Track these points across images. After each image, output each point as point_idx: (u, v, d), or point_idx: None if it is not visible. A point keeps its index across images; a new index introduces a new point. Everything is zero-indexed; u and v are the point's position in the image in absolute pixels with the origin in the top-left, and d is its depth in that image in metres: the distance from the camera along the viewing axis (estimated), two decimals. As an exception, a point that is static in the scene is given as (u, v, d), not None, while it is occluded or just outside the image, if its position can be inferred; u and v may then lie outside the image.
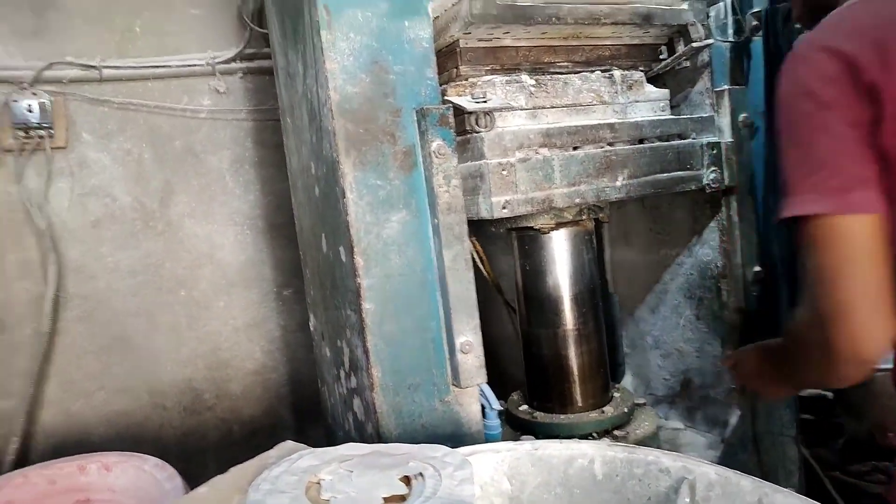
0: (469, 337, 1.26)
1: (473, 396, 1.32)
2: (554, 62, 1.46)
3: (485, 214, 1.31)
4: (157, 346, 2.09)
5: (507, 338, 2.54)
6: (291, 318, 2.30)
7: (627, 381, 2.13)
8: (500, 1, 1.24)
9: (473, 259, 1.39)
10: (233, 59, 2.12)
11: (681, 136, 1.54)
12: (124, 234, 2.04)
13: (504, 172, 1.28)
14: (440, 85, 1.31)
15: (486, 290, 1.73)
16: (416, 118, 1.22)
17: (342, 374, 1.43)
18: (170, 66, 2.04)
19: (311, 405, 2.25)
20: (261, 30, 2.10)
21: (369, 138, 1.20)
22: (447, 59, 1.38)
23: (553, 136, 1.35)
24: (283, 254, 2.26)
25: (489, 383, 1.30)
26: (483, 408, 1.37)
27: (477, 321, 1.27)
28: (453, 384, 1.29)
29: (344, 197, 1.19)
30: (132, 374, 2.06)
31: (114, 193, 2.01)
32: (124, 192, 2.03)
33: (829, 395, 2.31)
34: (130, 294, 2.07)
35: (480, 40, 1.35)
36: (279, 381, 2.29)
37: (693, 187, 1.52)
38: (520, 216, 1.36)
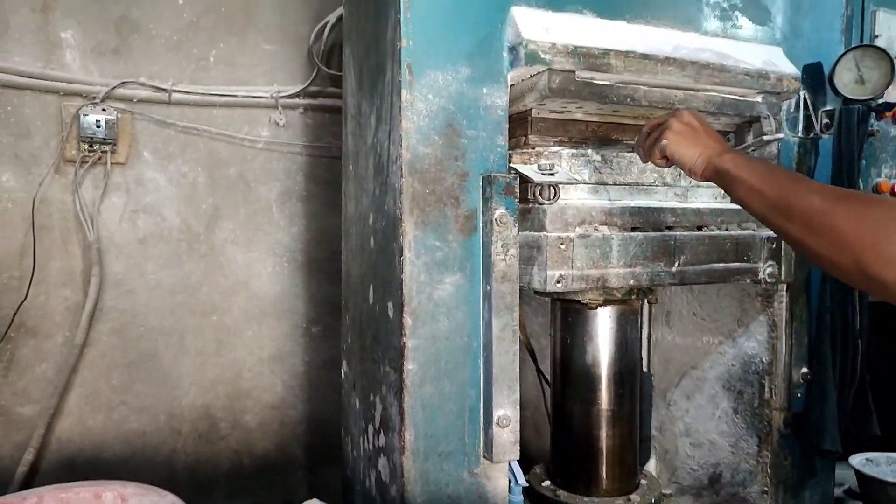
0: (507, 411, 1.23)
1: (503, 471, 1.28)
2: (622, 139, 1.45)
3: (538, 286, 1.29)
4: (182, 368, 2.08)
5: (530, 401, 2.50)
6: (317, 354, 2.28)
7: (651, 464, 2.07)
8: (578, 77, 1.24)
9: None
10: (297, 95, 2.16)
11: (740, 227, 1.51)
12: (169, 254, 2.05)
13: (562, 247, 1.26)
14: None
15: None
16: (481, 184, 1.22)
17: (370, 429, 1.40)
18: (236, 96, 2.08)
19: (326, 447, 2.22)
20: (328, 70, 2.14)
21: (434, 199, 1.19)
22: (517, 125, 1.38)
23: (615, 214, 1.33)
24: (318, 290, 2.25)
25: None
26: (508, 482, 1.33)
27: (517, 395, 1.24)
28: (484, 457, 1.26)
29: (401, 255, 1.18)
30: (155, 393, 2.05)
31: (164, 213, 2.03)
32: (174, 213, 2.05)
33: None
34: (167, 312, 2.07)
35: (552, 112, 1.35)
36: (297, 419, 2.25)
37: (749, 280, 1.49)
38: (569, 288, 1.34)
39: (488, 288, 1.22)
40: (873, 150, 1.72)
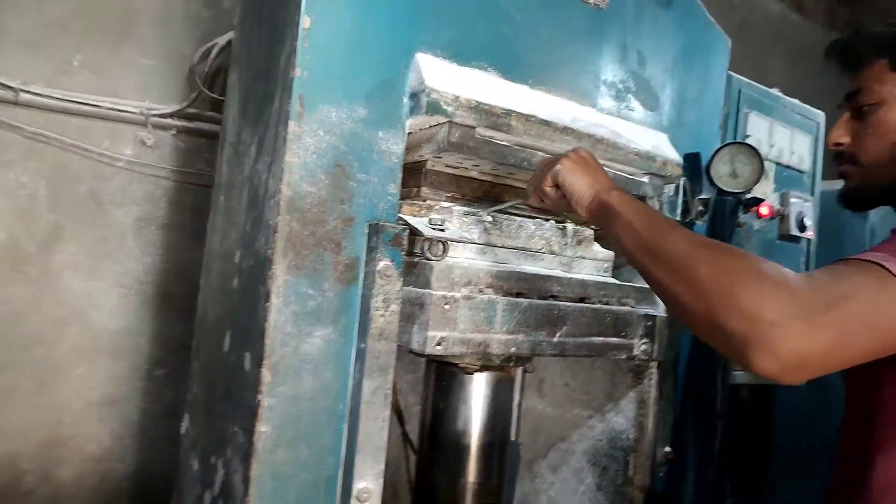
0: (370, 483, 1.11)
1: (360, 552, 1.15)
2: (514, 204, 1.42)
3: (416, 347, 1.20)
4: (-14, 410, 1.76)
5: (390, 462, 2.36)
6: (158, 402, 2.02)
7: (513, 539, 1.99)
8: (479, 134, 1.19)
9: None
10: (171, 115, 1.97)
11: (620, 303, 1.52)
12: (-13, 273, 1.76)
13: (446, 307, 1.19)
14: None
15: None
16: (368, 232, 1.13)
17: (207, 496, 1.22)
18: (98, 107, 1.86)
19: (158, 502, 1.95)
20: (210, 94, 1.98)
21: (312, 242, 1.08)
22: (410, 176, 1.31)
23: (502, 278, 1.28)
24: (167, 328, 2.02)
25: None
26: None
27: (381, 466, 1.13)
28: (341, 535, 1.12)
29: (267, 300, 1.05)
30: (-56, 437, 1.71)
31: (-12, 225, 1.75)
32: (1, 227, 1.77)
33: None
34: (-24, 342, 1.76)
35: (448, 166, 1.30)
36: (123, 474, 1.97)
37: (624, 356, 1.49)
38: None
39: (363, 345, 1.11)
40: (739, 240, 1.82)
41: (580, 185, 1.09)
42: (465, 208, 1.33)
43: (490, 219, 1.36)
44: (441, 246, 1.20)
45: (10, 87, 1.73)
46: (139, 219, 1.98)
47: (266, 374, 1.05)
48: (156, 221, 2.01)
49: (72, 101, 1.82)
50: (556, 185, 1.13)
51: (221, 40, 1.98)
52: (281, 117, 1.07)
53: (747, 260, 0.80)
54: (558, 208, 1.19)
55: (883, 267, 0.79)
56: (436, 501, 1.51)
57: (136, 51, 1.94)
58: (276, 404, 1.06)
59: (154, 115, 1.94)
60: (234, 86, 1.38)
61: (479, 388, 1.48)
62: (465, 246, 1.32)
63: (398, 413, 1.70)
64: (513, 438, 1.97)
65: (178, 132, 2.00)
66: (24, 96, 1.75)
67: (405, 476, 1.90)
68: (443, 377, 1.51)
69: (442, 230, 1.21)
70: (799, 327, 0.72)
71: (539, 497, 1.93)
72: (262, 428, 1.05)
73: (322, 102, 1.08)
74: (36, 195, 1.81)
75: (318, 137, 1.08)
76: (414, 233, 1.20)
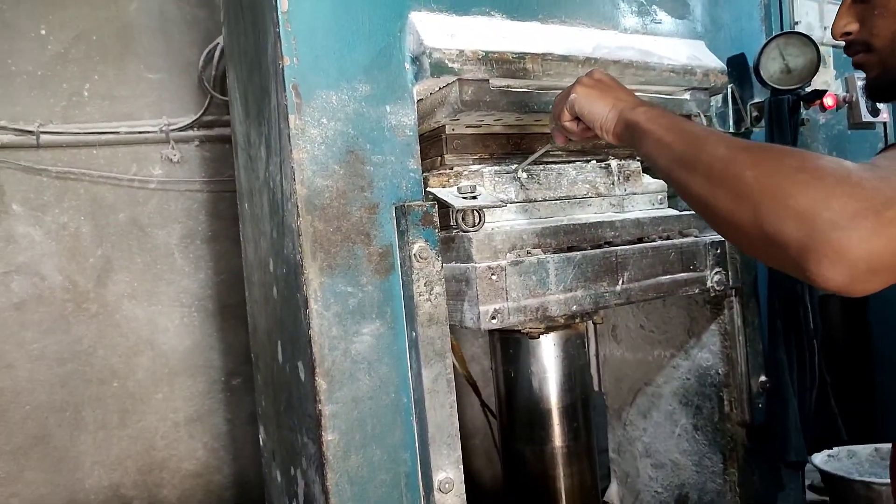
0: (450, 473, 1.06)
1: (452, 540, 1.11)
2: (548, 151, 1.31)
3: (470, 324, 1.13)
4: (81, 447, 1.82)
5: (478, 429, 2.34)
6: (241, 409, 2.05)
7: (613, 489, 1.94)
8: (493, 86, 1.09)
9: None
10: (190, 127, 1.94)
11: (682, 234, 1.40)
12: (52, 317, 1.80)
13: (493, 278, 1.11)
14: (422, 173, 1.15)
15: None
16: (395, 215, 1.05)
17: (296, 507, 1.21)
18: (118, 133, 1.85)
19: (259, 512, 1.99)
20: (222, 97, 1.94)
21: (340, 238, 1.02)
22: (430, 145, 1.23)
23: (548, 235, 1.19)
24: (235, 338, 2.03)
25: None
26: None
27: (459, 453, 1.08)
28: (429, 528, 1.08)
29: (307, 307, 1.00)
30: (50, 479, 1.78)
31: (43, 272, 1.78)
32: (55, 271, 1.80)
33: (824, 500, 2.15)
34: (57, 385, 1.81)
35: (469, 127, 1.20)
36: (223, 484, 2.02)
37: (697, 290, 1.38)
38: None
39: (414, 334, 1.05)
40: (804, 140, 1.65)
41: (600, 109, 0.96)
42: (496, 168, 1.24)
43: (524, 174, 1.27)
44: (476, 215, 1.12)
45: (30, 132, 1.74)
46: (183, 236, 1.98)
47: (321, 382, 1.01)
48: (200, 235, 2.01)
49: (91, 133, 1.82)
50: (577, 118, 1.01)
51: (221, 39, 1.92)
52: (280, 112, 1.01)
53: (799, 156, 0.67)
54: (586, 140, 1.07)
55: None
56: (526, 471, 1.47)
57: (142, 66, 1.91)
58: (339, 410, 1.02)
59: (174, 130, 1.91)
60: (233, 86, 1.33)
61: (548, 351, 1.41)
62: (504, 209, 1.24)
63: (473, 386, 1.66)
64: (596, 389, 1.91)
65: (200, 142, 1.98)
66: (44, 137, 1.76)
67: (493, 444, 1.87)
68: (508, 345, 1.45)
69: (474, 197, 1.12)
70: (866, 226, 0.59)
71: (634, 444, 1.86)
72: (328, 437, 1.02)
73: (319, 88, 1.00)
74: (79, 233, 1.83)
75: (322, 126, 1.00)
76: (444, 206, 1.12)
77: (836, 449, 2.07)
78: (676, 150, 0.81)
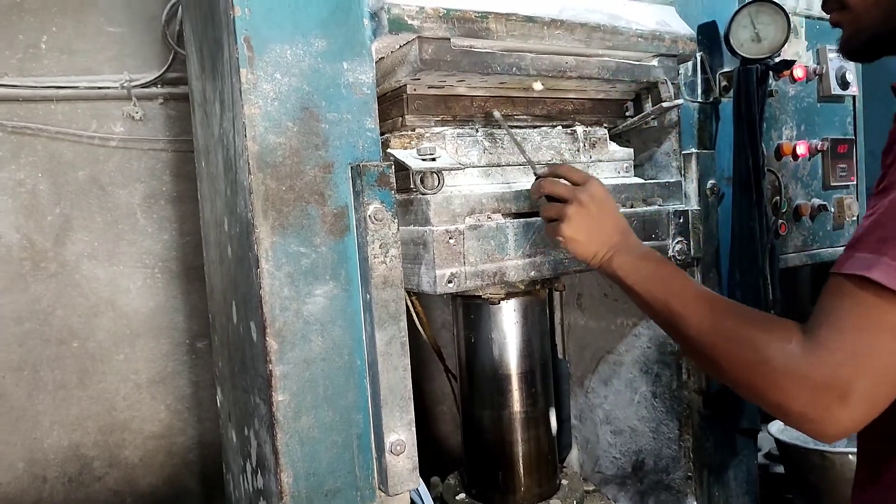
0: (401, 435, 1.07)
1: (404, 501, 1.12)
2: (512, 115, 1.30)
3: (427, 289, 1.12)
4: (40, 406, 1.80)
5: (447, 395, 2.36)
6: (206, 371, 2.04)
7: (574, 455, 1.97)
8: (454, 46, 1.07)
9: (409, 316, 1.20)
10: (153, 83, 1.89)
11: (646, 203, 1.40)
12: (9, 276, 1.76)
13: (451, 241, 1.10)
14: (382, 134, 1.13)
15: (421, 339, 1.55)
16: (350, 175, 1.03)
17: (248, 467, 1.20)
18: (77, 88, 1.79)
19: (222, 471, 2.00)
20: (185, 52, 1.88)
21: (293, 197, 1.00)
22: (391, 105, 1.20)
23: (508, 200, 1.18)
24: (200, 300, 2.01)
25: (422, 452, 1.09)
26: (415, 505, 1.18)
27: (411, 416, 1.08)
28: (380, 489, 1.09)
29: (258, 267, 0.98)
30: (7, 439, 1.76)
31: (-1, 230, 1.74)
32: (12, 229, 1.75)
33: (779, 469, 2.20)
34: (14, 344, 1.78)
35: (431, 87, 1.18)
36: (187, 446, 2.02)
37: (658, 260, 1.38)
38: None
39: (368, 296, 1.04)
40: (773, 111, 1.65)
41: (585, 254, 1.04)
42: (458, 130, 1.22)
43: (489, 137, 1.25)
44: (435, 177, 1.10)
45: (-17, 85, 1.68)
46: (146, 196, 1.94)
47: (272, 343, 1.00)
48: (164, 196, 1.97)
49: (49, 87, 1.76)
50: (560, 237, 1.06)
51: (187, -7, 1.86)
52: (232, 66, 0.98)
53: (754, 348, 0.78)
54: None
55: (871, 282, 0.70)
56: (484, 435, 1.48)
57: (103, 19, 1.84)
58: (290, 371, 1.01)
59: (136, 86, 1.86)
60: (189, 39, 1.28)
61: (508, 317, 1.41)
62: (465, 172, 1.22)
63: (437, 352, 1.65)
64: (560, 357, 1.92)
65: (165, 100, 1.92)
66: (-1, 91, 1.70)
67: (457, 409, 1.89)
68: (469, 310, 1.45)
69: (434, 159, 1.10)
70: (834, 417, 0.72)
71: (595, 411, 1.89)
72: (279, 397, 1.01)
73: (272, 41, 0.97)
74: (37, 190, 1.78)
75: (275, 82, 0.97)
76: (403, 167, 1.10)
77: (792, 418, 2.11)
78: (657, 313, 0.94)
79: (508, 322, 1.41)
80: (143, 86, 1.88)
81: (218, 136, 1.14)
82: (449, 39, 1.06)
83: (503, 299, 1.38)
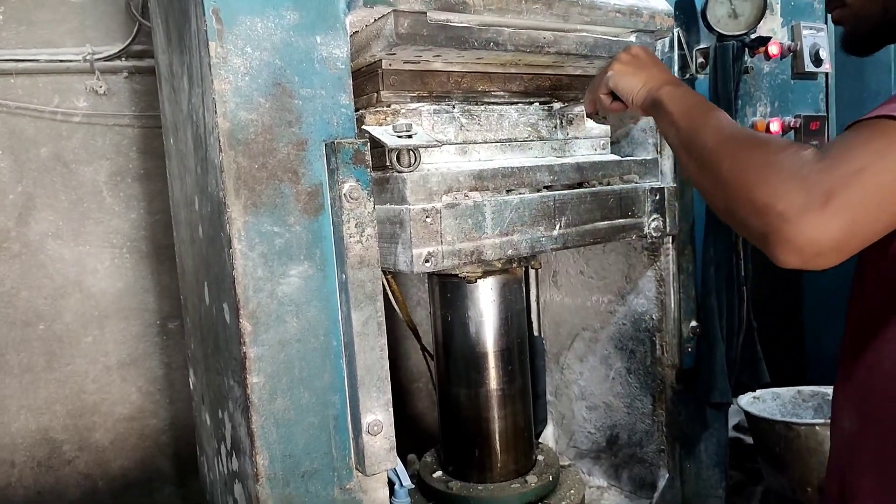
0: (378, 415, 1.06)
1: (381, 481, 1.12)
2: (489, 90, 1.28)
3: (403, 268, 1.11)
4: (6, 391, 1.76)
5: (423, 372, 2.36)
6: (178, 353, 2.01)
7: (549, 431, 1.99)
8: (431, 20, 1.04)
9: (385, 294, 1.19)
10: (117, 56, 1.82)
11: (623, 180, 1.40)
12: (-30, 257, 1.70)
13: (428, 220, 1.09)
14: (357, 110, 1.10)
15: (397, 315, 1.54)
16: (325, 153, 1.01)
17: (223, 450, 1.19)
18: (37, 61, 1.72)
19: (197, 455, 1.98)
20: (149, 24, 1.82)
21: (266, 175, 0.97)
22: (366, 81, 1.18)
23: (486, 178, 1.17)
24: (172, 280, 1.97)
25: (398, 429, 1.09)
26: (392, 483, 1.17)
27: (388, 396, 1.07)
28: (357, 469, 1.08)
29: (230, 247, 0.96)
30: (-27, 424, 1.72)
31: (-43, 209, 1.67)
32: (-29, 208, 1.70)
33: (749, 440, 2.26)
34: (-23, 327, 1.73)
35: (407, 62, 1.15)
36: (159, 428, 1.99)
37: (635, 236, 1.39)
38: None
39: (344, 276, 1.03)
40: (748, 88, 1.65)
41: (632, 84, 1.07)
42: (436, 107, 1.20)
43: (465, 114, 1.23)
44: (411, 155, 1.08)
45: (-64, 57, 1.60)
46: (112, 173, 1.89)
47: (246, 325, 0.98)
48: (131, 173, 1.92)
49: (7, 60, 1.69)
50: (612, 93, 1.12)
51: (151, -38, 1.79)
52: (200, 39, 0.94)
53: (767, 151, 0.77)
54: (614, 113, 1.19)
55: (891, 117, 0.70)
56: (461, 413, 1.48)
57: (63, -10, 1.77)
58: (264, 353, 1.00)
59: (99, 60, 1.79)
60: (154, 10, 1.24)
61: (485, 295, 1.41)
62: (442, 149, 1.20)
63: (413, 329, 1.65)
64: (536, 333, 1.93)
65: (130, 73, 1.86)
66: (-47, 64, 1.62)
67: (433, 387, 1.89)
68: (446, 289, 1.44)
69: (410, 136, 1.08)
70: (810, 219, 0.69)
71: (570, 388, 1.90)
72: (253, 379, 0.99)
73: (242, 13, 0.93)
74: (-4, 168, 1.72)
75: (246, 56, 0.94)
76: (378, 144, 1.08)
77: (760, 391, 2.16)
78: (681, 133, 0.92)
79: (485, 300, 1.41)
80: (107, 59, 1.81)
81: (187, 111, 1.10)
82: (425, 13, 1.04)
83: (480, 277, 1.37)
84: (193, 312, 1.28)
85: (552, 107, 1.36)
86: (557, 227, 1.25)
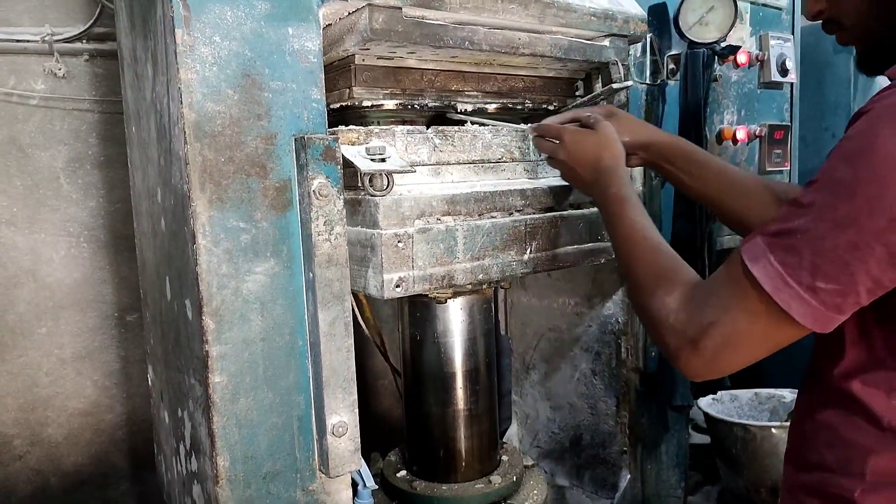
0: (344, 417, 1.04)
1: (345, 483, 1.10)
2: (463, 90, 1.27)
3: (373, 292, 1.09)
4: (-47, 383, 1.69)
5: (388, 370, 2.34)
6: (136, 346, 1.95)
7: (513, 430, 2.00)
8: (406, 16, 1.02)
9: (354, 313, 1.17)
10: (77, 38, 1.76)
11: (593, 204, 1.38)
12: (-84, 244, 1.62)
13: (400, 245, 1.07)
14: (328, 105, 1.08)
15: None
16: (294, 148, 0.99)
17: (182, 450, 1.16)
18: (-9, 40, 1.65)
19: (153, 451, 1.93)
20: (113, 6, 1.76)
21: (232, 169, 0.95)
22: (339, 76, 1.15)
23: (458, 202, 1.14)
24: (131, 272, 1.91)
25: (363, 427, 1.07)
26: (355, 484, 1.16)
27: (354, 397, 1.05)
28: (321, 470, 1.07)
29: (194, 242, 0.93)
30: (-84, 417, 1.65)
31: None
32: (-82, 192, 1.62)
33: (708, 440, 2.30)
34: (-77, 316, 1.65)
35: (380, 58, 1.13)
36: (115, 423, 1.93)
37: (603, 260, 1.38)
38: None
39: (311, 275, 1.00)
40: (716, 95, 1.68)
41: (576, 178, 1.16)
42: (409, 126, 1.16)
43: (438, 135, 1.20)
44: (385, 178, 1.06)
45: None
46: (71, 160, 1.82)
47: (209, 322, 0.95)
48: (90, 160, 1.85)
49: (-41, 39, 1.61)
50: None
51: (115, -59, 1.73)
52: (166, 25, 0.91)
53: (644, 293, 0.93)
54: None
55: (750, 274, 0.78)
56: (428, 430, 1.47)
57: (21, -33, 1.69)
58: (227, 352, 0.97)
59: (59, 41, 1.72)
60: (118, -7, 1.19)
61: (454, 316, 1.40)
62: (417, 169, 1.18)
63: (381, 349, 1.62)
64: (502, 333, 1.93)
65: (91, 56, 1.80)
66: None
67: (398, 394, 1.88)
68: (415, 308, 1.42)
69: (383, 159, 1.06)
70: (685, 358, 0.84)
71: (535, 387, 1.91)
72: (216, 379, 0.97)
73: (211, 1, 0.90)
74: (-54, 151, 1.65)
75: (214, 45, 0.91)
76: (350, 166, 1.05)
77: (720, 393, 2.21)
78: (620, 256, 1.04)
79: (455, 320, 1.40)
80: (67, 41, 1.74)
81: (150, 100, 1.06)
82: (401, 8, 1.02)
83: (450, 298, 1.36)
84: (154, 307, 1.24)
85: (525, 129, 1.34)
86: (528, 251, 1.24)
